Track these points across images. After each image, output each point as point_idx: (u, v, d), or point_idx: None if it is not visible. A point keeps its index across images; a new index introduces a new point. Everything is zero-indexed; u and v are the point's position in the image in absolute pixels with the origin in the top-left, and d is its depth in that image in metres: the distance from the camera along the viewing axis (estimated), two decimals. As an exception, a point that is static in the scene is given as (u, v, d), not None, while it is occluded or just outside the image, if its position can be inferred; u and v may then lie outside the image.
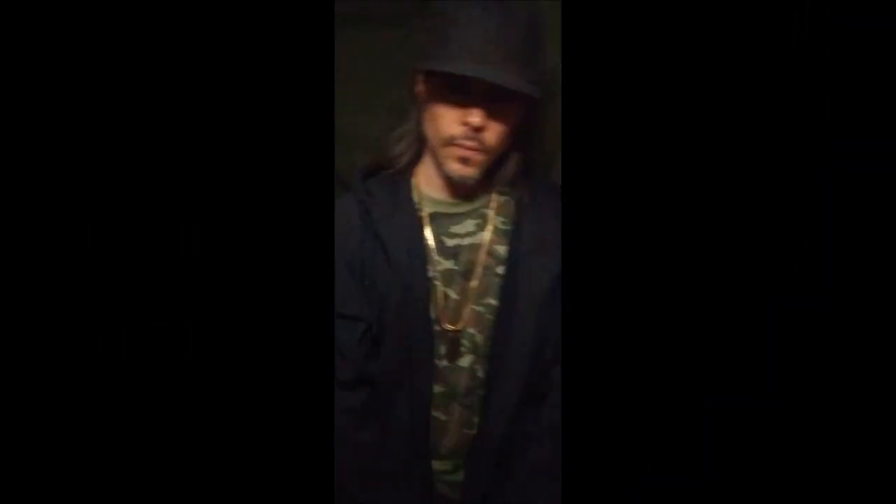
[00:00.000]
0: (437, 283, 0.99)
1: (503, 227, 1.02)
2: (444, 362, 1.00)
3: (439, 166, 0.99)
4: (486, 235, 1.01)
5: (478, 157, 0.94)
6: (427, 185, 1.03)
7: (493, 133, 0.94)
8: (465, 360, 1.00)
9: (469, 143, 0.93)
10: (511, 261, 1.00)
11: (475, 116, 0.91)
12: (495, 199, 1.03)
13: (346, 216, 1.01)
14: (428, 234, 1.00)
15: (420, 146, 1.03)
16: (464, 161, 0.95)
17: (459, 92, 0.92)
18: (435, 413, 1.00)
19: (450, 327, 0.99)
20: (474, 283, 0.99)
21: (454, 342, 1.00)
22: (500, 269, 1.00)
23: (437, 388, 1.00)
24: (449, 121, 0.94)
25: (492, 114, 0.92)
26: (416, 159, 1.04)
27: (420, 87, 0.98)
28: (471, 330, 1.00)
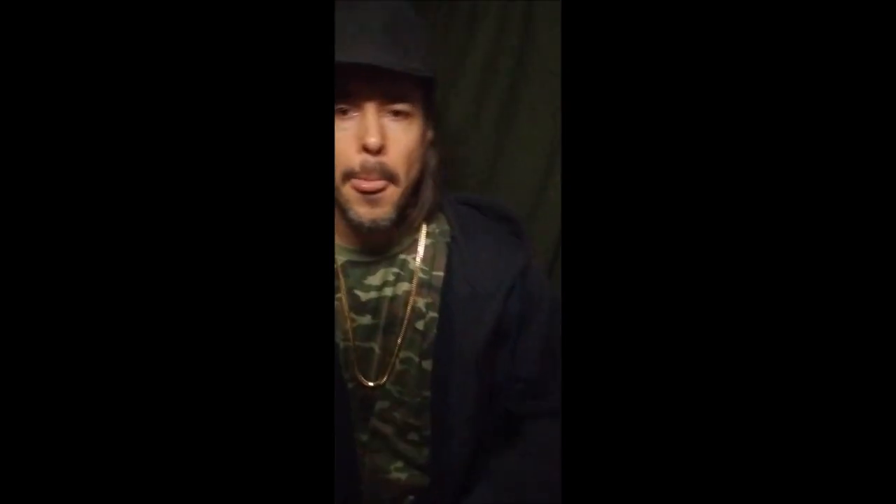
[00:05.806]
0: (349, 342, 0.89)
1: (424, 276, 0.90)
2: (373, 420, 0.91)
3: (343, 212, 0.82)
4: (406, 286, 0.89)
5: (387, 189, 0.80)
6: (338, 234, 0.88)
7: (395, 154, 0.79)
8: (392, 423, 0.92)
9: (373, 175, 0.79)
10: (440, 316, 0.89)
11: (371, 135, 0.77)
12: (418, 242, 0.91)
13: None
14: (341, 288, 0.88)
15: None
16: (371, 202, 0.80)
17: (343, 99, 0.78)
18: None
19: (370, 383, 0.90)
20: (398, 339, 0.89)
21: (369, 399, 0.91)
22: (420, 325, 0.90)
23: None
24: (344, 148, 0.79)
25: (389, 130, 0.79)
26: None
27: None
28: (391, 387, 0.90)
